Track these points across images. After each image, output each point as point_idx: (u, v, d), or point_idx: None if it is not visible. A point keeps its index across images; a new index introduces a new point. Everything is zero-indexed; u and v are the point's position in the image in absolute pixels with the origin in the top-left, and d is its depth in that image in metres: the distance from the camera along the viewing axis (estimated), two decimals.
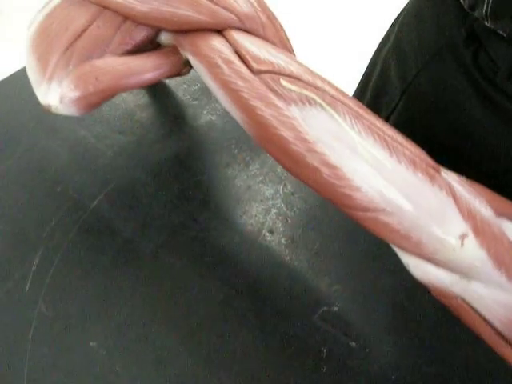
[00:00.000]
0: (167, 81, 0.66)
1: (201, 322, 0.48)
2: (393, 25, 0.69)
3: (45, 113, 0.47)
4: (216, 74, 0.43)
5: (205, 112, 0.63)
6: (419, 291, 0.49)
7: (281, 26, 0.47)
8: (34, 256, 0.51)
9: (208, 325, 0.48)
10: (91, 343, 0.46)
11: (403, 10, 0.67)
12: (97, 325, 0.47)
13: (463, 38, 0.53)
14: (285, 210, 0.55)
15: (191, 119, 0.62)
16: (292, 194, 0.56)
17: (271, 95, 0.41)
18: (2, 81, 0.64)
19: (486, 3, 0.47)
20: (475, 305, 0.39)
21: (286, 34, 0.47)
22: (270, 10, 0.47)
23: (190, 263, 0.51)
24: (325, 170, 0.40)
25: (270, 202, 0.56)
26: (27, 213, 0.54)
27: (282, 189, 0.56)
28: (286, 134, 0.40)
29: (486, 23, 0.49)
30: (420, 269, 0.40)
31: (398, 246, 0.40)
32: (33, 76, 0.49)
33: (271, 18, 0.46)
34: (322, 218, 0.55)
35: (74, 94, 0.45)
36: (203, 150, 0.60)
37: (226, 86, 0.42)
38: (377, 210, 0.39)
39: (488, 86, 0.52)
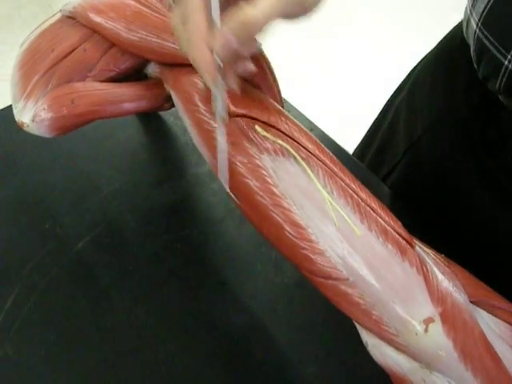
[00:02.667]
0: (175, 122, 0.64)
1: None
2: (410, 74, 0.67)
3: (19, 127, 0.46)
4: (191, 111, 0.41)
5: None
6: None
7: (271, 72, 0.45)
8: (9, 293, 0.48)
9: None
10: None
11: (422, 60, 0.65)
12: (59, 374, 0.44)
13: (474, 105, 0.50)
14: (273, 276, 0.51)
15: (193, 166, 0.59)
16: (284, 259, 0.52)
17: (243, 141, 0.39)
18: (5, 108, 0.63)
19: (500, 78, 0.44)
20: None
21: (275, 80, 0.45)
22: (263, 54, 0.45)
23: (164, 322, 0.48)
24: (288, 228, 0.37)
25: (259, 266, 0.52)
26: (11, 247, 0.51)
27: (275, 254, 0.52)
28: (253, 183, 0.37)
29: (499, 97, 0.46)
30: (378, 350, 0.36)
31: (357, 322, 0.36)
32: (13, 92, 0.47)
33: (261, 62, 0.44)
34: (311, 290, 0.50)
35: (46, 114, 0.43)
36: (200, 200, 0.57)
37: (199, 124, 0.40)
38: (338, 279, 0.36)
39: (492, 162, 0.49)
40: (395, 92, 0.70)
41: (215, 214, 0.55)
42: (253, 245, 0.53)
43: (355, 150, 0.79)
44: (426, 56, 0.64)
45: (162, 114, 0.64)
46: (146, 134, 0.63)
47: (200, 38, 0.32)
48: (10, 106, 0.60)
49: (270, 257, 0.52)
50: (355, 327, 0.39)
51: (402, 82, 0.68)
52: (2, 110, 0.63)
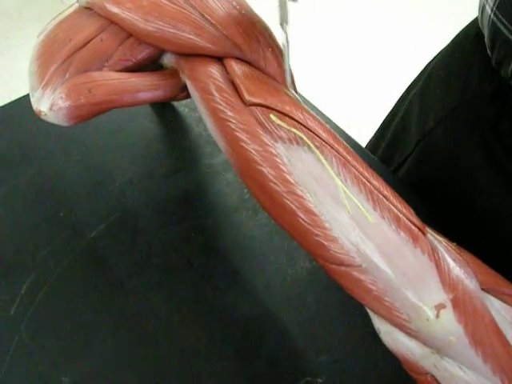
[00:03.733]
0: (190, 113, 0.64)
1: (178, 376, 0.45)
2: (424, 69, 0.67)
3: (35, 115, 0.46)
4: (207, 100, 0.41)
5: None
6: None
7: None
8: (24, 279, 0.49)
9: (185, 379, 0.45)
10: (63, 378, 0.44)
11: (436, 55, 0.65)
12: (72, 361, 0.45)
13: (487, 96, 0.51)
14: (286, 266, 0.51)
15: (207, 156, 0.60)
16: (297, 249, 0.52)
17: (258, 129, 0.39)
18: (20, 99, 0.64)
19: None
20: None
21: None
22: (277, 44, 0.46)
23: (178, 310, 0.48)
24: (302, 215, 0.37)
25: (272, 256, 0.52)
26: (26, 234, 0.52)
27: (288, 244, 0.53)
28: (268, 170, 0.38)
29: (511, 83, 0.46)
30: (390, 336, 0.37)
31: (370, 308, 0.37)
32: (31, 81, 0.48)
33: (276, 52, 0.45)
34: (324, 280, 0.51)
35: (64, 103, 0.44)
36: (214, 190, 0.57)
37: (215, 113, 0.41)
38: (351, 266, 0.36)
39: (504, 155, 0.49)
40: (409, 87, 0.70)
41: (229, 204, 0.56)
42: (266, 235, 0.53)
43: (368, 144, 0.80)
44: (440, 52, 0.65)
45: (177, 105, 0.65)
46: (161, 124, 0.63)
47: None
48: (25, 96, 0.61)
49: (282, 247, 0.53)
50: (367, 316, 0.39)
51: (417, 77, 0.68)
52: (17, 100, 0.63)
